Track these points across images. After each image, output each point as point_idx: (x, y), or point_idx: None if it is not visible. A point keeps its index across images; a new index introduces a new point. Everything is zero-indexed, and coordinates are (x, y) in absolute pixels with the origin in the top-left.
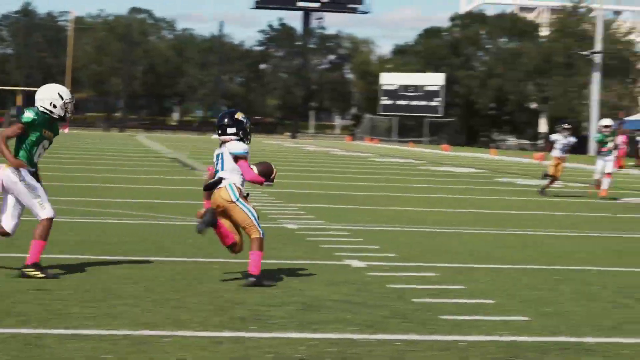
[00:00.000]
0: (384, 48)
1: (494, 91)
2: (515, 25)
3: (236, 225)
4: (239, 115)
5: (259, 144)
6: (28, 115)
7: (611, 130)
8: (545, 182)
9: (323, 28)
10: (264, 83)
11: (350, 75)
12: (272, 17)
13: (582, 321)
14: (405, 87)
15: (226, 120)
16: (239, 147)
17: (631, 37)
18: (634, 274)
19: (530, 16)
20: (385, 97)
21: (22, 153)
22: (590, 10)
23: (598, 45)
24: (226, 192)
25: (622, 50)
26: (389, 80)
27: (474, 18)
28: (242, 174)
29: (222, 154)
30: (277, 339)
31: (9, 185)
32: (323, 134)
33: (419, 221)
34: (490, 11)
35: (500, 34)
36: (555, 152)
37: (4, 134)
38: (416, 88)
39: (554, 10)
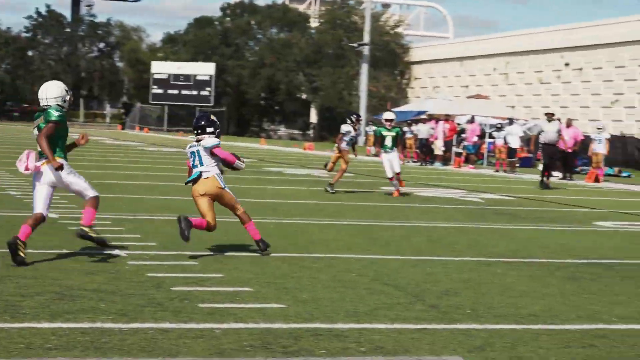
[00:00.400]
0: (154, 36)
1: (265, 81)
2: (285, 16)
3: (227, 205)
4: (213, 117)
5: (26, 132)
6: (57, 113)
7: (393, 125)
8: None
9: (93, 15)
10: (31, 70)
11: (120, 64)
12: (40, 3)
13: (336, 308)
14: (176, 76)
15: (203, 122)
16: (211, 141)
17: (399, 29)
18: (390, 261)
19: (301, 7)
20: (156, 86)
21: (58, 151)
22: (359, 2)
23: (366, 37)
24: (216, 181)
25: (390, 42)
26: (160, 68)
27: (245, 8)
28: (219, 158)
29: (198, 150)
30: (28, 329)
31: (57, 180)
32: (93, 123)
33: (184, 210)
34: (261, 1)
35: (271, 25)
36: (342, 145)
37: (43, 134)
38: (187, 77)
39: (324, 2)
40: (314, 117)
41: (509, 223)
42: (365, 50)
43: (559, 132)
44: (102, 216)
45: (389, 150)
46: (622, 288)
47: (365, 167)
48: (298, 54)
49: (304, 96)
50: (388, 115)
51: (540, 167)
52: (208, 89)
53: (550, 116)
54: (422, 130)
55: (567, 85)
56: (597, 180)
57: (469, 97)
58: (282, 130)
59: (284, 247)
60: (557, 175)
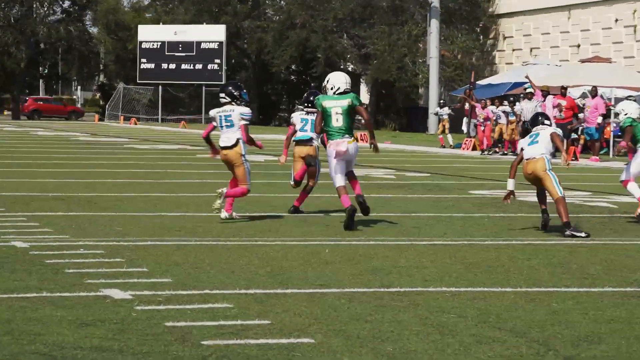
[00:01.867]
0: None
1: (296, 48)
2: None
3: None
4: None
5: None
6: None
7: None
8: None
9: None
10: None
11: (94, 29)
12: None
13: None
14: (173, 45)
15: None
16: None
17: None
18: (499, 295)
19: None
20: (145, 60)
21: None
22: None
23: None
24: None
25: None
26: (149, 35)
27: None
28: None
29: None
30: None
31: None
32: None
33: (204, 231)
34: None
35: None
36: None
37: (367, 114)
38: (187, 46)
39: None
40: (364, 96)
41: None
42: (435, 1)
43: None
44: (90, 243)
45: None
46: None
47: (445, 162)
48: (340, 9)
49: (350, 67)
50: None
51: None
52: (217, 61)
53: None
54: (527, 109)
55: None
56: None
57: (582, 62)
58: None
59: (347, 278)
60: None
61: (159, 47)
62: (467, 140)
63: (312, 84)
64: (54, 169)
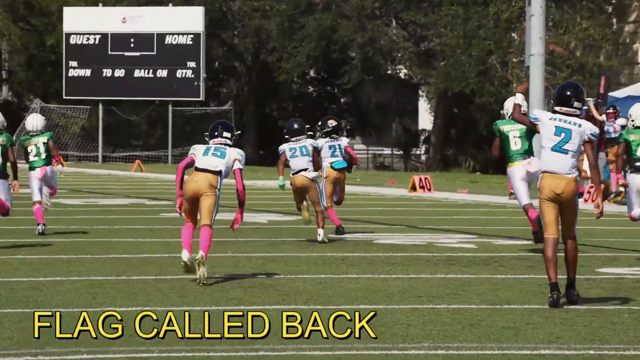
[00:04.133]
0: None
1: (315, 43)
2: None
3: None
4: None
5: None
6: None
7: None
8: None
9: None
10: None
11: None
12: None
13: None
14: (120, 40)
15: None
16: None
17: None
18: None
19: None
20: (76, 63)
21: None
22: None
23: None
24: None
25: None
26: (82, 23)
27: None
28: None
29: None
30: None
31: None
32: None
33: (169, 339)
34: None
35: None
36: None
37: None
38: (143, 41)
39: None
40: (426, 117)
41: None
42: None
43: None
44: None
45: None
46: None
47: None
48: None
49: (402, 72)
50: None
51: None
52: (192, 64)
53: None
54: None
55: None
56: None
57: None
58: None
59: None
60: None
61: (97, 42)
62: (590, 187)
63: (342, 100)
64: None
